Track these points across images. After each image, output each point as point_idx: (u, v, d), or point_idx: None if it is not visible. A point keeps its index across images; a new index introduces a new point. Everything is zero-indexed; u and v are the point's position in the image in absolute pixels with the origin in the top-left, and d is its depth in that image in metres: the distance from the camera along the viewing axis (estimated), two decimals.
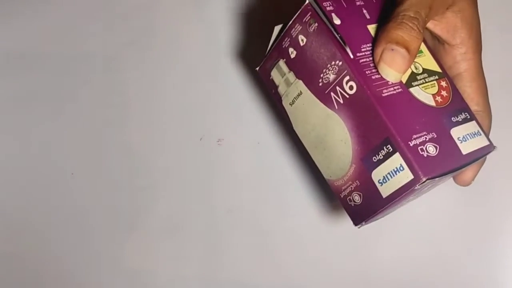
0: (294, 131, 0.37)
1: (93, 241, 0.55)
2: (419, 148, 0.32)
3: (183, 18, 0.55)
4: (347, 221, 0.51)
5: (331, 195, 0.52)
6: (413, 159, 0.31)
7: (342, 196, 0.35)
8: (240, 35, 0.54)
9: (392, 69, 0.32)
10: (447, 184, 0.50)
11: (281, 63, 0.37)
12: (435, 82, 0.35)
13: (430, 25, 0.36)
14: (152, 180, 0.55)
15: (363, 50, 0.34)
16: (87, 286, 0.55)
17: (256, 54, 0.53)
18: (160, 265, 0.54)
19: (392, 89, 0.33)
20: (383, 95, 0.33)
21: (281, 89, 0.37)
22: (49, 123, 0.56)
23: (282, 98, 0.37)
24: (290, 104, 0.37)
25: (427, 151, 0.32)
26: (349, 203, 0.35)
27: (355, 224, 0.35)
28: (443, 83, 0.35)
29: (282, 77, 0.37)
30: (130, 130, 0.55)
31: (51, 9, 0.57)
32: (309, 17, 0.35)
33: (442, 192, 0.50)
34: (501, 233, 0.49)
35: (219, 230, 0.53)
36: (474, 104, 0.37)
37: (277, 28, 0.37)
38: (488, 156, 0.37)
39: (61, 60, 0.56)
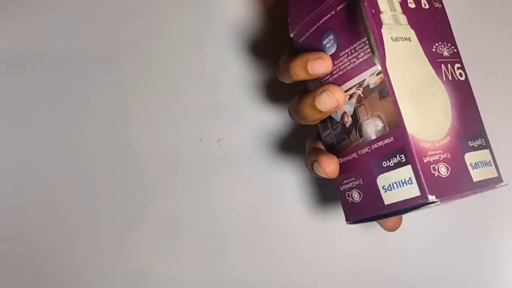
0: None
1: (93, 240, 0.55)
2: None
3: (183, 18, 0.55)
4: (346, 222, 0.51)
5: (331, 195, 0.52)
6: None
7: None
8: (241, 34, 0.54)
9: None
10: None
11: None
12: None
13: None
14: (152, 180, 0.55)
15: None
16: (87, 285, 0.55)
17: (257, 53, 0.53)
18: (160, 265, 0.54)
19: None
20: None
21: (385, 18, 0.33)
22: (49, 123, 0.56)
23: (383, 27, 0.33)
24: (391, 39, 0.33)
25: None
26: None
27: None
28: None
29: (391, 10, 0.33)
30: (130, 130, 0.55)
31: (51, 9, 0.57)
32: None
33: None
34: (502, 232, 0.49)
35: (219, 230, 0.53)
36: None
37: None
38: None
39: (61, 60, 0.56)
